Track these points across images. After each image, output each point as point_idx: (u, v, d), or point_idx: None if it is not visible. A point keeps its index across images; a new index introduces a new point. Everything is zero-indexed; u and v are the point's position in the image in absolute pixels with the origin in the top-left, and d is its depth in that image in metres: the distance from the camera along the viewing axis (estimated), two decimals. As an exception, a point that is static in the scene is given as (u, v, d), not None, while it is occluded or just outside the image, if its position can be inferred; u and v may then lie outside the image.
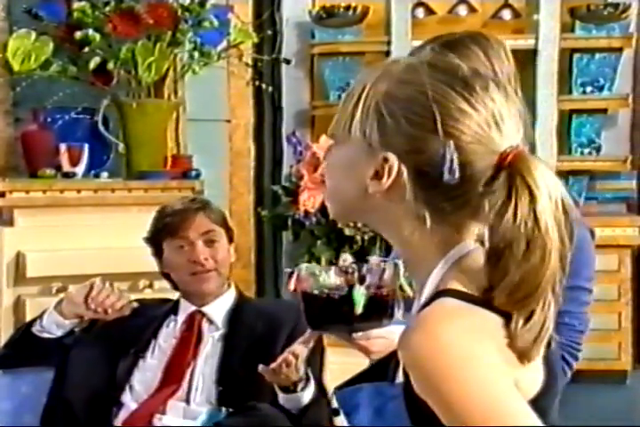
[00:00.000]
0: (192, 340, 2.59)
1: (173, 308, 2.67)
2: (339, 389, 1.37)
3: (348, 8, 4.07)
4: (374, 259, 1.84)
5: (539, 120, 4.30)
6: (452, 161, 1.17)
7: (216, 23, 3.31)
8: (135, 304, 2.64)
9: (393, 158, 1.18)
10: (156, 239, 2.63)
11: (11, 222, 3.22)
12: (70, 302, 2.62)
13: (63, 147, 3.28)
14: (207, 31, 3.32)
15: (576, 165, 4.44)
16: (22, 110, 3.43)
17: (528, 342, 1.15)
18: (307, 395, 2.45)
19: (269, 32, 3.79)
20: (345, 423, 1.34)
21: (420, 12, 4.21)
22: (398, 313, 1.77)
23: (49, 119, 3.37)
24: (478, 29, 4.29)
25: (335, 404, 1.36)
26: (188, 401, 2.55)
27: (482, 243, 1.21)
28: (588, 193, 4.45)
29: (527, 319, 1.15)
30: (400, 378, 1.18)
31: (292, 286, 1.78)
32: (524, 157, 1.17)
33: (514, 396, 1.11)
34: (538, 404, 1.15)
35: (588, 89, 4.36)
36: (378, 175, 1.19)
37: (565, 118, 4.41)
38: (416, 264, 1.25)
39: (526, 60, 4.31)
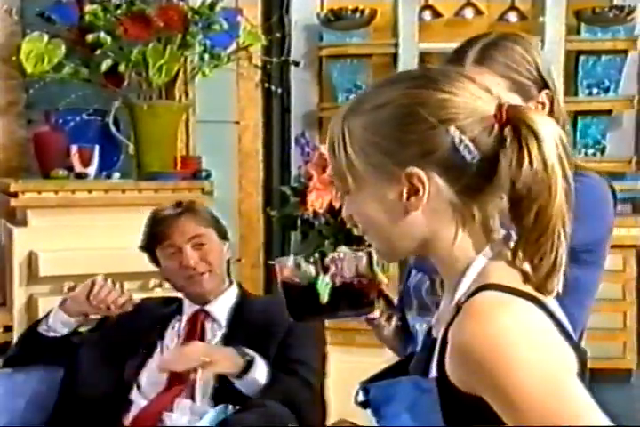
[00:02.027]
0: (196, 339, 2.59)
1: (178, 307, 2.68)
2: (367, 382, 1.35)
3: (355, 11, 4.07)
4: (344, 249, 1.86)
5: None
6: (462, 141, 1.19)
7: (226, 26, 3.32)
8: (137, 300, 2.65)
9: (415, 170, 1.19)
10: (149, 247, 2.66)
11: (23, 222, 3.23)
12: (74, 300, 2.64)
13: (75, 148, 3.29)
14: (217, 34, 3.33)
15: (582, 166, 4.42)
16: (35, 112, 3.44)
17: (541, 276, 1.19)
18: (260, 375, 2.43)
19: (278, 35, 3.79)
20: (372, 417, 1.32)
21: (427, 15, 4.20)
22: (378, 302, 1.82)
23: (61, 121, 3.38)
24: (484, 32, 4.30)
25: (361, 397, 1.33)
26: (193, 398, 2.55)
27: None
28: (594, 192, 4.43)
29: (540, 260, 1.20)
30: (433, 372, 1.19)
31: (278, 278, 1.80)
32: (516, 108, 1.21)
33: (573, 380, 1.12)
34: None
35: (594, 91, 4.35)
36: (411, 193, 1.20)
37: (571, 120, 4.40)
38: (452, 263, 1.25)
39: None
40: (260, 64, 3.63)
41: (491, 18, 4.31)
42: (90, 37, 3.20)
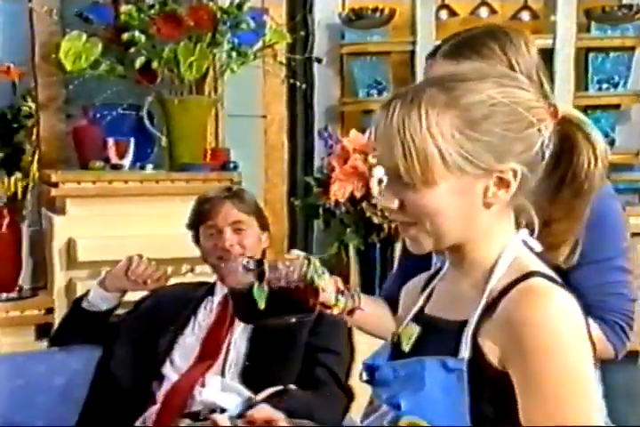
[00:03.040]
0: (227, 319, 2.63)
1: (210, 289, 2.73)
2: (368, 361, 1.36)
3: (375, 10, 4.09)
4: (295, 253, 1.83)
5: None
6: (550, 140, 1.23)
7: (252, 25, 3.33)
8: (170, 273, 2.70)
9: (515, 165, 1.20)
10: (194, 226, 2.70)
11: (63, 211, 3.27)
12: (112, 276, 2.71)
13: (111, 141, 3.32)
14: (244, 32, 3.34)
15: (592, 159, 4.44)
16: (73, 107, 3.46)
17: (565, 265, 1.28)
18: None
19: (302, 33, 3.80)
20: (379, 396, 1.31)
21: (444, 14, 4.22)
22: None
23: (98, 115, 3.40)
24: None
25: (365, 376, 1.34)
26: (223, 375, 2.60)
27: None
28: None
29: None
30: (464, 353, 1.19)
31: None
32: (566, 111, 1.25)
33: (592, 377, 1.17)
34: None
35: (604, 86, 4.36)
36: (500, 188, 1.20)
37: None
38: (486, 252, 1.25)
39: (544, 59, 4.29)
40: (284, 61, 3.63)
41: (504, 17, 4.33)
42: (125, 36, 3.23)
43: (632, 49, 4.27)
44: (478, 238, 1.25)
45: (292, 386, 2.32)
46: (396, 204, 1.24)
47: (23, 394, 2.75)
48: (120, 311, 2.80)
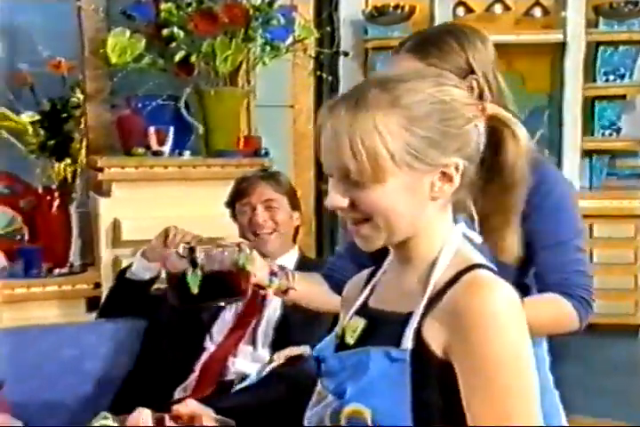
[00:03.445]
0: (259, 293, 2.64)
1: None
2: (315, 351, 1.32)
3: (396, 7, 4.11)
4: (221, 243, 1.84)
5: (565, 105, 4.30)
6: (483, 135, 1.21)
7: (283, 21, 3.33)
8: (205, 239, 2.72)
9: (457, 160, 1.17)
10: (231, 203, 2.73)
11: (108, 194, 3.29)
12: (152, 247, 2.73)
13: (152, 129, 3.33)
14: (275, 28, 3.34)
15: (598, 145, 4.45)
16: (118, 98, 3.47)
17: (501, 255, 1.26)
18: None
19: (328, 29, 3.82)
20: (326, 385, 1.26)
21: (461, 11, 4.23)
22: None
23: (140, 105, 3.41)
24: (511, 26, 4.32)
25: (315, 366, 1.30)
26: (254, 346, 2.61)
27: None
28: (609, 170, 4.46)
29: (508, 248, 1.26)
30: (407, 344, 1.16)
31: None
32: (492, 109, 1.24)
33: (533, 367, 1.15)
34: None
35: (610, 78, 4.35)
36: (444, 182, 1.17)
37: (589, 104, 4.41)
38: (428, 246, 1.22)
39: (555, 53, 4.31)
40: (313, 55, 3.62)
41: (517, 13, 4.32)
42: (165, 32, 3.24)
43: (638, 43, 4.25)
44: (422, 232, 1.21)
45: (309, 351, 2.32)
46: (346, 203, 1.19)
47: (74, 362, 2.78)
48: (164, 286, 2.82)
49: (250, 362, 2.59)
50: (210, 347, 2.64)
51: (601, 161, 4.41)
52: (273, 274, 1.86)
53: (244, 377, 2.54)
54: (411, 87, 1.17)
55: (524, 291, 1.64)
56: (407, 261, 1.24)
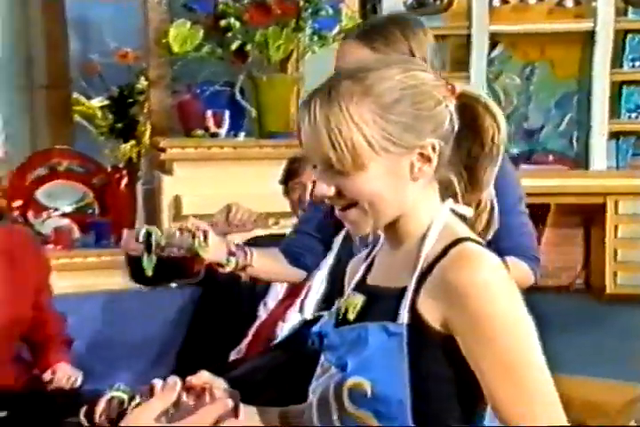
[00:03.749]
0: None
1: None
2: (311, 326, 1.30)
3: (435, -1, 4.03)
4: (183, 226, 1.74)
5: (594, 90, 4.20)
6: (455, 114, 1.16)
7: (331, 12, 3.29)
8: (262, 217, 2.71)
9: (433, 140, 1.13)
10: (284, 181, 2.72)
11: (170, 172, 3.30)
12: (215, 221, 2.71)
13: (209, 113, 3.32)
14: (323, 19, 3.30)
15: (625, 127, 4.36)
16: (179, 84, 3.47)
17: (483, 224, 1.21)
18: None
19: (373, 19, 3.76)
20: (327, 360, 1.23)
21: (497, 1, 4.13)
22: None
23: (199, 91, 3.40)
24: (544, 15, 4.21)
25: (315, 343, 1.27)
26: (302, 313, 2.60)
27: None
28: (634, 150, 4.37)
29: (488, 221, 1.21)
30: (403, 318, 1.13)
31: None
32: (462, 87, 1.18)
33: (532, 328, 1.10)
34: None
35: (637, 64, 4.25)
36: (423, 163, 1.13)
37: (616, 88, 4.31)
38: (416, 223, 1.18)
39: (585, 41, 4.20)
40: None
41: (550, 3, 4.22)
42: (222, 23, 3.22)
43: (665, 31, 4.13)
44: (408, 212, 1.17)
45: None
46: (332, 191, 1.16)
47: (138, 324, 2.79)
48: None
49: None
50: (262, 315, 2.66)
51: (627, 142, 4.31)
52: (231, 254, 1.83)
53: None
54: (380, 75, 1.14)
55: None
56: (398, 239, 1.20)
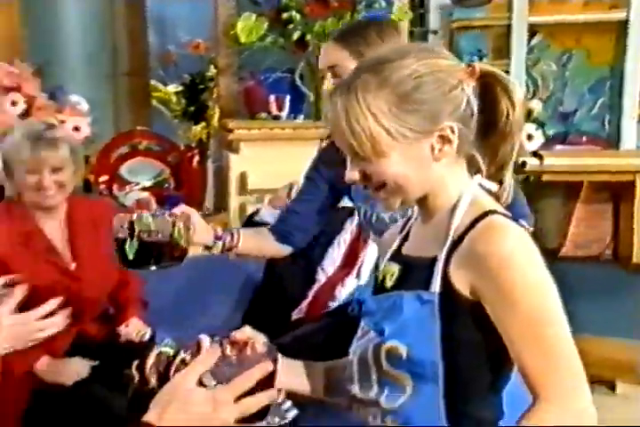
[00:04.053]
0: (362, 236, 2.62)
1: (351, 212, 2.71)
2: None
3: (479, -8, 3.93)
4: (172, 213, 1.69)
5: (626, 75, 4.09)
6: (474, 95, 1.13)
7: (383, 4, 3.28)
8: None
9: (450, 123, 1.10)
10: None
11: (237, 151, 3.32)
12: (278, 197, 2.73)
13: (272, 97, 3.33)
14: (377, 11, 3.28)
15: (654, 111, 4.22)
16: (244, 72, 3.47)
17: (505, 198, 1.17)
18: None
19: (421, 11, 3.71)
20: (367, 326, 1.21)
21: (536, -6, 4.02)
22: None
23: (262, 77, 3.41)
24: (580, 7, 4.10)
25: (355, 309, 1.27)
26: (359, 279, 2.62)
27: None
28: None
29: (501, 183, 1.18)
30: (435, 287, 1.11)
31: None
32: (484, 68, 1.15)
33: (556, 296, 1.07)
34: None
35: (668, 52, 4.11)
36: (443, 144, 1.11)
37: (648, 75, 4.18)
38: (445, 198, 1.16)
39: (619, 30, 4.09)
40: (406, 33, 3.55)
41: (586, -4, 4.09)
42: (285, 15, 3.22)
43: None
44: (436, 188, 1.15)
45: None
46: (357, 176, 1.15)
47: (209, 288, 2.82)
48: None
49: (354, 287, 2.60)
50: (321, 278, 2.66)
51: (656, 125, 4.22)
52: (217, 238, 1.83)
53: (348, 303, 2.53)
54: (396, 66, 1.11)
55: None
56: (429, 212, 1.19)
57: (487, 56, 3.94)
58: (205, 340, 1.18)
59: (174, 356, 1.26)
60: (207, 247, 1.83)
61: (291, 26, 3.23)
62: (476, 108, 1.13)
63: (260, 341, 1.21)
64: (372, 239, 1.99)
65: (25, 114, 3.12)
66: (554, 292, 1.08)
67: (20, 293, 1.55)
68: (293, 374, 1.29)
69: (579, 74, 4.23)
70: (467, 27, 3.94)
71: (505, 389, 1.13)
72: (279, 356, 1.20)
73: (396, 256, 1.23)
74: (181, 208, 1.73)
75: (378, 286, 1.23)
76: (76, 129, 3.10)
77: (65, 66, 3.41)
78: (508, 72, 3.78)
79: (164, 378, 1.25)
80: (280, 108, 3.32)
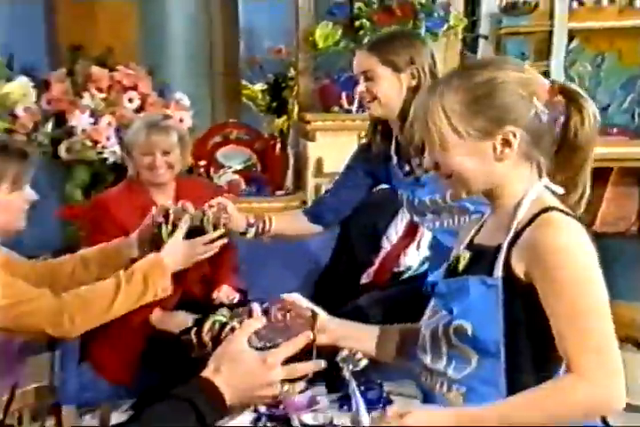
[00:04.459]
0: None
1: None
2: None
3: (524, 3, 3.82)
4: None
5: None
6: (542, 109, 1.10)
7: (442, 13, 3.24)
8: None
9: (512, 128, 1.09)
10: None
11: (314, 139, 3.31)
12: None
13: (343, 94, 3.30)
14: (435, 19, 3.24)
15: (679, 106, 4.03)
16: (320, 72, 3.44)
17: (573, 203, 1.13)
18: None
19: (473, 18, 3.64)
20: (437, 306, 1.20)
21: (575, 4, 3.87)
22: None
23: (336, 77, 3.37)
24: (615, 14, 3.92)
25: (427, 289, 1.26)
26: (419, 248, 2.58)
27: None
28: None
29: (580, 197, 1.14)
30: (498, 272, 1.09)
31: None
32: (564, 86, 1.12)
33: (601, 284, 1.05)
34: None
35: (692, 54, 3.91)
36: (504, 146, 1.09)
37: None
38: (511, 195, 1.13)
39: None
40: (460, 38, 3.48)
41: (621, 4, 3.91)
42: (356, 23, 3.19)
43: None
44: (501, 185, 1.13)
45: None
46: (430, 164, 1.16)
47: (283, 259, 2.79)
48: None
49: (416, 257, 2.59)
50: (386, 246, 2.65)
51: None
52: (250, 225, 1.83)
53: (409, 268, 2.56)
54: (477, 73, 1.10)
55: None
56: (497, 206, 1.17)
57: (529, 58, 3.81)
58: (256, 306, 1.19)
59: (225, 324, 1.28)
60: (242, 233, 1.83)
61: (361, 32, 3.20)
62: (545, 120, 1.10)
63: (303, 306, 1.21)
64: (415, 219, 1.96)
65: (139, 109, 3.16)
66: (599, 284, 1.05)
67: (185, 226, 1.72)
68: (365, 339, 1.29)
69: (611, 73, 4.08)
70: (513, 33, 3.88)
71: (560, 366, 1.10)
72: (324, 318, 1.20)
73: (470, 245, 1.22)
74: (218, 200, 1.77)
75: (450, 270, 1.22)
76: (180, 121, 3.14)
77: (170, 67, 3.45)
78: (548, 72, 3.65)
79: (217, 342, 1.26)
80: (350, 103, 3.29)
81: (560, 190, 1.14)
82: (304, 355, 1.05)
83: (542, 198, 1.13)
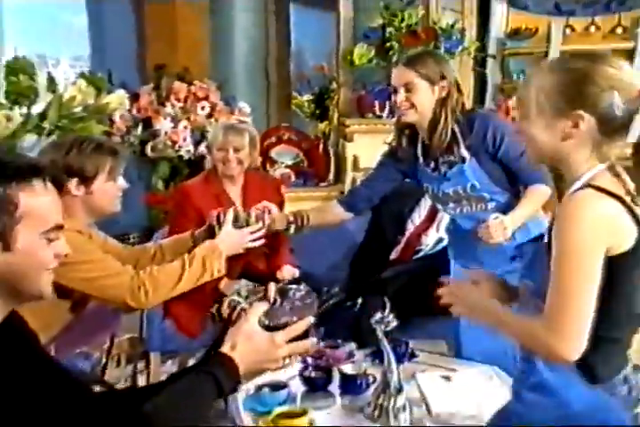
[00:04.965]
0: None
1: None
2: None
3: (526, 29, 3.71)
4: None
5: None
6: (619, 102, 1.01)
7: (458, 37, 3.19)
8: None
9: (582, 112, 1.02)
10: None
11: (351, 140, 3.30)
12: None
13: (376, 102, 3.26)
14: (453, 41, 3.18)
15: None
16: (356, 85, 3.40)
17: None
18: None
19: (483, 42, 3.58)
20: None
21: (567, 31, 3.74)
22: None
23: (370, 89, 3.33)
24: (600, 39, 3.76)
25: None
26: (437, 229, 2.52)
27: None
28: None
29: None
30: (545, 238, 1.05)
31: None
32: None
33: (595, 259, 0.97)
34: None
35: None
36: (573, 126, 1.02)
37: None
38: (572, 172, 1.06)
39: (628, 56, 3.74)
40: (472, 57, 3.41)
41: (604, 31, 3.76)
42: (387, 45, 3.15)
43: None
44: (564, 160, 1.07)
45: None
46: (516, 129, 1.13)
47: (324, 240, 2.70)
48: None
49: (435, 238, 2.55)
50: (410, 228, 2.60)
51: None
52: (290, 223, 1.78)
53: (428, 246, 2.51)
54: (574, 61, 1.04)
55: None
56: (560, 180, 1.11)
57: (524, 75, 3.69)
58: (272, 287, 1.14)
59: (238, 303, 1.24)
60: (285, 230, 1.78)
61: (391, 52, 3.16)
62: (620, 114, 1.02)
63: (305, 289, 1.19)
64: (438, 207, 1.89)
65: (209, 116, 3.13)
66: (589, 258, 0.97)
67: (230, 218, 1.71)
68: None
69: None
70: (515, 53, 3.83)
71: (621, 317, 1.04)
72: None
73: None
74: (264, 203, 1.73)
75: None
76: (242, 125, 3.08)
77: (234, 82, 3.43)
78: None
79: (229, 319, 1.22)
80: (382, 110, 3.23)
81: (624, 174, 1.05)
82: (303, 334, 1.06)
83: (597, 177, 1.05)
